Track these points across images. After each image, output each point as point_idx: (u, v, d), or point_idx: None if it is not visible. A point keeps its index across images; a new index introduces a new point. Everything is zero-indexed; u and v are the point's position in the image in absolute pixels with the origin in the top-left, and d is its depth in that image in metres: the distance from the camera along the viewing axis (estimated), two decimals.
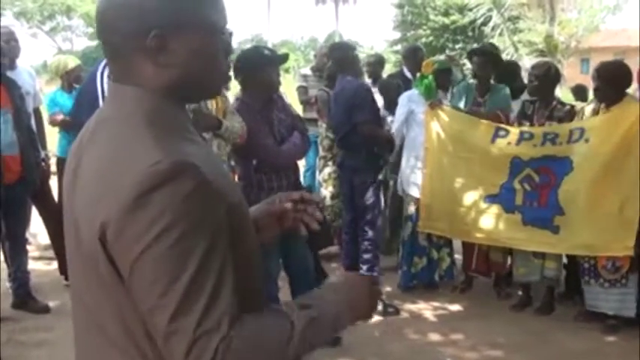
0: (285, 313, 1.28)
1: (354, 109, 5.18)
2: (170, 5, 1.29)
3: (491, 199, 5.30)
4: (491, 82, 5.73)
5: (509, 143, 5.22)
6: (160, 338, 1.20)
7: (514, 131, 5.22)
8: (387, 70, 11.09)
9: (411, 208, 5.69)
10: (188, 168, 1.21)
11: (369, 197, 5.29)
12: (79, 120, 3.50)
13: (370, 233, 5.33)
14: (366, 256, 5.35)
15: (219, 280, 1.20)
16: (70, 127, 6.15)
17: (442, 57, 6.07)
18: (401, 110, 5.74)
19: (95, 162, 1.28)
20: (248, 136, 4.10)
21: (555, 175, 5.05)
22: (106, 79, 3.58)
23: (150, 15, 1.27)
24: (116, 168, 1.22)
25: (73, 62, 6.38)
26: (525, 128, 5.22)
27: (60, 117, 6.17)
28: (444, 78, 5.68)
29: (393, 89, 6.26)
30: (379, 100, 6.38)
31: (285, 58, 4.67)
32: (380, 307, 5.23)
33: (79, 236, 1.29)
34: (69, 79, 6.31)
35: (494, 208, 5.29)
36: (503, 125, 5.30)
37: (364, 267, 5.33)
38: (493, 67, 5.69)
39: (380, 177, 5.53)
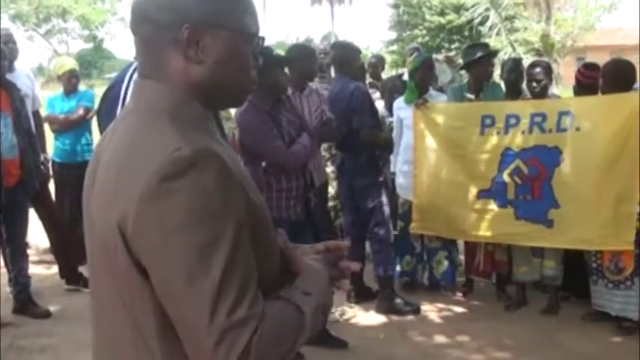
0: (294, 302, 1.27)
1: (353, 114, 5.09)
2: (207, 1, 1.30)
3: (484, 194, 5.24)
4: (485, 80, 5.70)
5: (498, 133, 5.16)
6: (186, 328, 1.18)
7: (499, 115, 5.14)
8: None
9: (401, 209, 5.73)
10: (210, 155, 1.19)
11: (374, 199, 5.23)
12: (100, 124, 3.49)
13: (381, 233, 5.26)
14: (380, 256, 5.29)
15: (246, 269, 1.18)
16: (66, 128, 6.21)
17: (416, 55, 5.95)
18: (394, 118, 5.81)
19: (113, 154, 1.26)
20: (257, 138, 4.04)
21: (545, 167, 4.98)
22: (132, 84, 3.53)
23: (186, 7, 1.28)
24: (134, 157, 1.20)
25: (68, 64, 6.36)
26: (510, 109, 5.16)
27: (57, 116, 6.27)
28: (422, 75, 5.55)
29: (396, 90, 6.20)
30: (380, 102, 6.35)
31: (291, 59, 4.64)
32: (400, 305, 5.27)
33: (96, 230, 1.27)
34: (69, 83, 6.28)
35: (488, 204, 5.23)
36: (486, 110, 5.25)
37: (379, 268, 5.27)
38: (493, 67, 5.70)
39: (381, 178, 5.47)
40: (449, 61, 7.42)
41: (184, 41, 1.28)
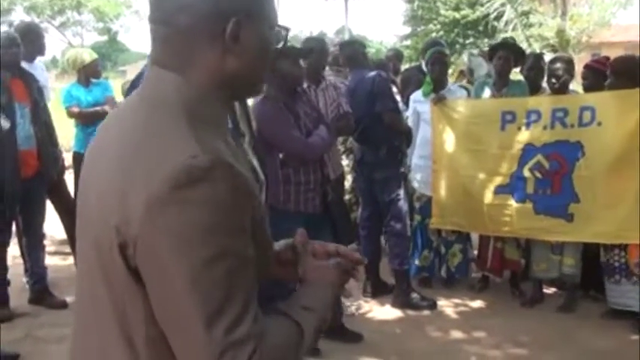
0: (293, 319, 1.25)
1: (375, 99, 5.08)
2: None
3: (501, 189, 5.22)
4: (510, 76, 5.65)
5: (519, 128, 5.14)
6: (181, 343, 1.13)
7: (520, 112, 5.12)
8: None
9: (418, 203, 5.71)
10: (226, 166, 1.13)
11: (392, 192, 5.21)
12: None
13: (398, 227, 5.25)
14: (396, 250, 5.27)
15: (248, 286, 1.14)
16: (87, 120, 6.16)
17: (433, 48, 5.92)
18: (409, 112, 5.78)
19: (119, 147, 1.19)
20: (274, 129, 4.02)
21: (566, 161, 4.96)
22: None
23: None
24: (144, 156, 1.13)
25: (89, 57, 6.34)
26: (531, 106, 5.12)
27: (77, 109, 6.17)
28: (432, 68, 5.58)
29: (413, 82, 6.17)
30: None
31: (306, 52, 4.60)
32: (416, 300, 5.25)
33: (92, 226, 1.20)
34: (86, 73, 6.28)
35: (506, 199, 5.21)
36: (507, 106, 5.21)
37: (395, 262, 5.26)
38: (515, 62, 5.59)
39: (402, 170, 5.45)
40: (484, 54, 7.35)
41: (230, 34, 1.22)
